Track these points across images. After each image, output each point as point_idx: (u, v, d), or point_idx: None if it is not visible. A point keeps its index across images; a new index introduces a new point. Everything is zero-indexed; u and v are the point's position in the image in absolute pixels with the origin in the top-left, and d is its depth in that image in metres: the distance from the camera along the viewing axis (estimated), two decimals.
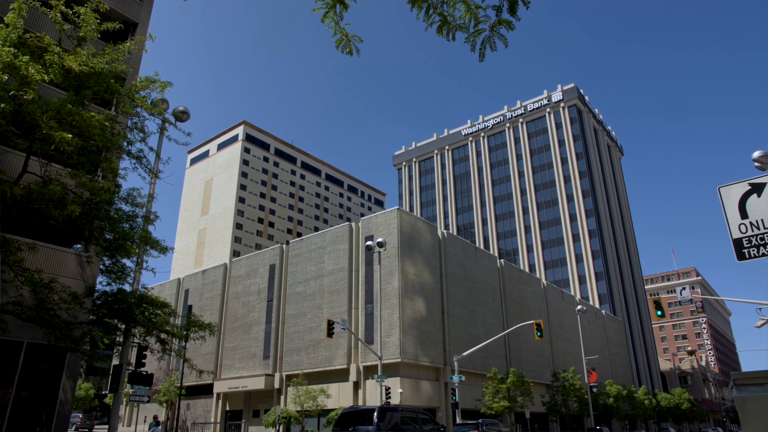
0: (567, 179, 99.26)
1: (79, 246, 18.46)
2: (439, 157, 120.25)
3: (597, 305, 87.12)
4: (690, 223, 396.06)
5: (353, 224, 47.50)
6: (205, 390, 54.77)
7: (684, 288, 26.81)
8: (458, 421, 34.97)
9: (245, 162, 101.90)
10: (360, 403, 40.72)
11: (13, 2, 13.94)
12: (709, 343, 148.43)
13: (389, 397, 33.07)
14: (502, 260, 58.42)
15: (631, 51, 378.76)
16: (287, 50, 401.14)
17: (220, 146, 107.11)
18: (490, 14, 5.79)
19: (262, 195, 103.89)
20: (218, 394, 53.07)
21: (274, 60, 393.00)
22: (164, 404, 51.24)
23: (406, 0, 5.83)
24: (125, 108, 14.96)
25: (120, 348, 17.72)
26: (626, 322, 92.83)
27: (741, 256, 8.06)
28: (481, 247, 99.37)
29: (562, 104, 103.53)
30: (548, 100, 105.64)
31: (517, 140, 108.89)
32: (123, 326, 16.99)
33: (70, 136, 11.74)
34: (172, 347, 17.46)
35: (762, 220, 8.00)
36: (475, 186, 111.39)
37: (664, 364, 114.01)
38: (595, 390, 51.96)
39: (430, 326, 43.34)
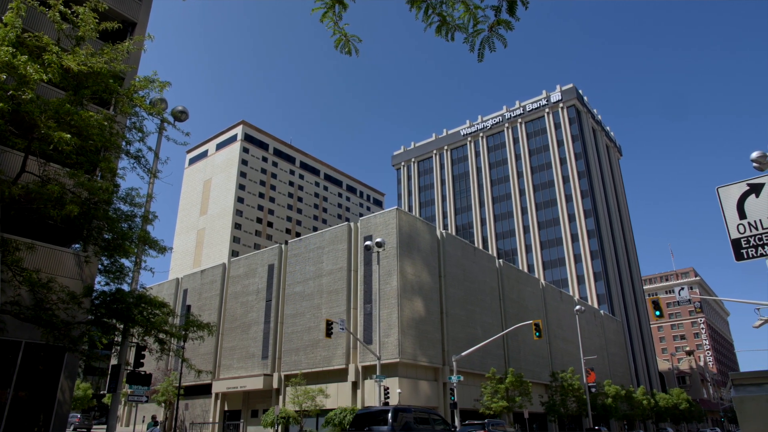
0: (566, 179, 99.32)
1: (77, 246, 18.43)
2: (437, 157, 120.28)
3: (595, 305, 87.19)
4: (688, 224, 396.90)
5: (352, 224, 47.48)
6: (204, 390, 54.73)
7: (682, 288, 26.33)
8: (457, 421, 35.02)
9: (244, 162, 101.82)
10: (359, 403, 40.77)
11: (12, 1, 13.92)
12: (707, 343, 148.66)
13: (388, 397, 33.04)
14: (500, 260, 58.45)
15: (631, 51, 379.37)
16: (287, 50, 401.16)
17: (219, 146, 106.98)
18: (488, 14, 5.79)
19: (261, 195, 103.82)
20: (217, 394, 53.05)
21: (273, 60, 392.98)
22: (163, 404, 51.18)
23: (405, 0, 5.82)
24: (124, 108, 14.94)
25: (118, 348, 17.71)
26: (625, 322, 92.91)
27: (739, 257, 8.08)
28: (480, 247, 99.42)
29: (560, 104, 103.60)
30: (547, 101, 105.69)
31: (515, 140, 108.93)
32: (121, 326, 16.97)
33: (68, 135, 11.72)
34: (170, 347, 17.43)
35: (760, 220, 8.02)
36: (474, 186, 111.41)
37: (663, 365, 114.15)
38: (593, 390, 52.03)
39: (428, 326, 43.35)
